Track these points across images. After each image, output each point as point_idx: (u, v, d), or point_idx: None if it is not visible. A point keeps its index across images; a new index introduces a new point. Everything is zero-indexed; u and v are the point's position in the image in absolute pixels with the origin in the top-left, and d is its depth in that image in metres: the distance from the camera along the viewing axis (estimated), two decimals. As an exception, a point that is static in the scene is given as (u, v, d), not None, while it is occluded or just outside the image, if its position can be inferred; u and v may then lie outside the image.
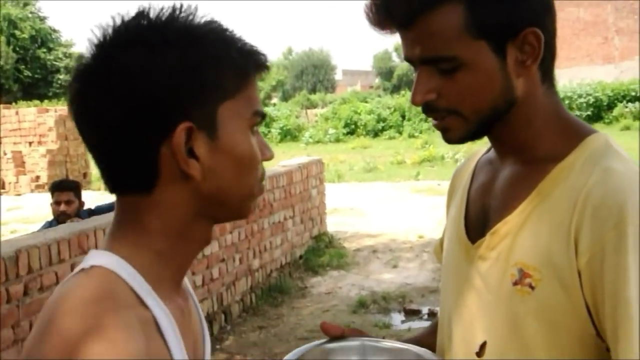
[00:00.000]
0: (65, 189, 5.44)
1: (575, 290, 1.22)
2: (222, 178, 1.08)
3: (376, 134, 27.32)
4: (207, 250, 6.05)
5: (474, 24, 1.22)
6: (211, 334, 5.94)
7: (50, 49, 40.73)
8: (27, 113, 16.03)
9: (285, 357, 1.44)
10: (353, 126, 27.73)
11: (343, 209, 10.80)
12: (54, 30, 42.81)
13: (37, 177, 15.63)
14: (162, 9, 1.06)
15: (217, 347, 5.82)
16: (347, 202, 11.54)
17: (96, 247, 2.88)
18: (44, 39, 40.67)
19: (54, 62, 40.28)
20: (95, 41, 1.05)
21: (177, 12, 1.07)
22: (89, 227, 4.74)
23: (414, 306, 6.66)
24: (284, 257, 7.72)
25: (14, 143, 16.03)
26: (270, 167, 8.76)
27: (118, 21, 1.06)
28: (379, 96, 40.84)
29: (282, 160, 9.33)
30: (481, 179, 1.45)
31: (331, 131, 27.16)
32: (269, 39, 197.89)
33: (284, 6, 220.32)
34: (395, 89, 57.90)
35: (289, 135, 28.13)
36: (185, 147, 1.02)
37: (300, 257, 8.18)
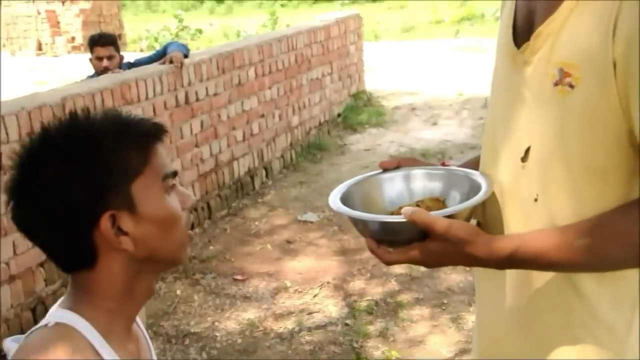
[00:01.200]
0: (106, 44, 5.36)
1: (611, 84, 1.25)
2: (152, 242, 1.27)
3: (414, -8, 26.65)
4: (247, 105, 6.08)
5: None
6: (253, 189, 6.09)
7: None
8: (58, -29, 15.78)
9: (344, 182, 1.56)
10: (390, -17, 26.99)
11: (379, 67, 10.67)
12: None
13: (73, 38, 15.52)
14: (62, 122, 1.24)
15: (259, 200, 5.94)
16: (386, 61, 11.39)
17: (138, 98, 3.28)
18: None
19: None
20: (17, 160, 1.25)
21: (76, 120, 1.24)
22: (131, 78, 4.79)
23: (451, 162, 6.65)
24: (322, 114, 7.72)
25: (47, 2, 15.85)
26: (308, 21, 8.63)
27: (29, 141, 1.26)
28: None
29: (319, 15, 9.19)
30: None
31: (368, -11, 26.49)
32: None
33: None
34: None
35: (325, -5, 27.48)
36: (114, 228, 1.22)
37: (339, 114, 8.16)
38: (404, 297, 4.23)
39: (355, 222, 1.44)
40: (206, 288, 4.43)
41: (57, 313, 1.27)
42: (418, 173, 1.59)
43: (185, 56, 5.38)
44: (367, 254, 4.79)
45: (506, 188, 1.46)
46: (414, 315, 4.05)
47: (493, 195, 1.44)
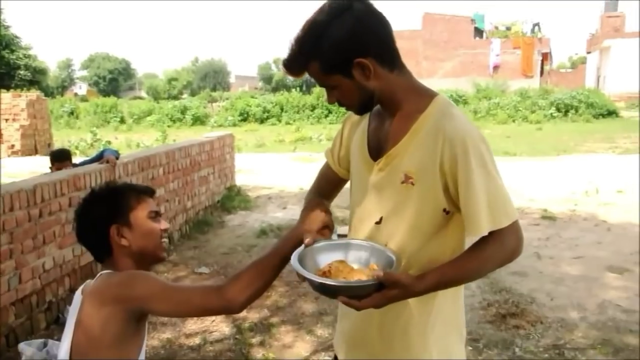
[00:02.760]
0: (63, 159, 5.22)
1: (437, 185, 1.48)
2: (139, 242, 1.69)
3: (262, 121, 27.16)
4: (158, 193, 6.14)
5: (326, 69, 1.48)
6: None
7: (12, 51, 37.99)
8: (5, 97, 15.06)
9: (292, 259, 1.47)
10: (245, 115, 27.48)
11: (244, 170, 10.87)
12: (16, 37, 39.81)
13: (13, 145, 14.77)
14: (102, 185, 1.81)
15: (167, 258, 5.92)
16: (247, 166, 11.61)
17: (84, 187, 3.84)
18: (8, 42, 37.82)
19: (16, 61, 37.70)
20: (80, 203, 1.76)
21: (107, 184, 1.81)
22: (80, 172, 4.76)
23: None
24: (207, 200, 7.79)
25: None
26: (197, 138, 8.83)
27: (87, 193, 1.79)
28: (265, 94, 40.54)
29: (205, 134, 9.35)
30: (374, 123, 1.64)
31: (230, 118, 26.87)
32: (181, 50, 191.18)
33: (193, 23, 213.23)
34: (274, 90, 57.57)
35: (199, 120, 27.55)
36: (118, 235, 1.67)
37: (218, 201, 8.25)
38: (274, 320, 4.31)
39: (325, 286, 1.39)
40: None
41: (102, 272, 1.66)
42: (324, 244, 1.54)
43: (117, 158, 5.46)
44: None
45: (360, 236, 1.62)
46: (281, 330, 4.12)
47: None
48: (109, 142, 17.41)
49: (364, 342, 1.66)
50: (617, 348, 3.76)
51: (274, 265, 1.56)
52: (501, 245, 1.46)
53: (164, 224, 1.75)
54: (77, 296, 1.68)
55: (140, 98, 54.78)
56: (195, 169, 7.38)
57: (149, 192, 1.79)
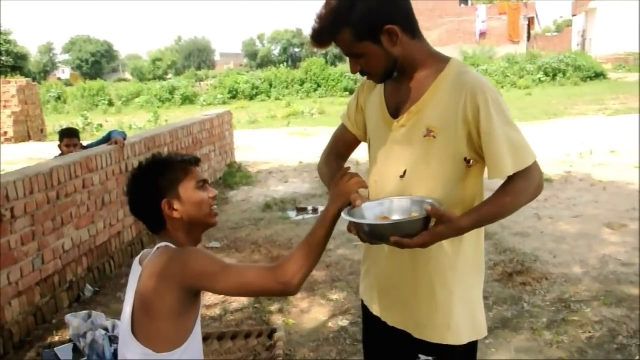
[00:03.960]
0: (72, 136, 5.33)
1: (461, 136, 1.58)
2: (191, 212, 1.71)
3: (252, 98, 26.99)
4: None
5: (356, 36, 1.59)
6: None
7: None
8: (-6, 84, 14.98)
9: (343, 214, 1.59)
10: (235, 92, 27.28)
11: (242, 146, 10.89)
12: (-5, 22, 39.19)
13: (6, 133, 14.71)
14: (148, 158, 1.80)
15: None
16: (244, 143, 11.60)
17: (96, 168, 3.95)
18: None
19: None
20: (130, 174, 1.78)
21: (154, 157, 1.80)
22: (91, 154, 4.88)
23: (302, 205, 6.92)
24: (210, 178, 7.87)
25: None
26: (197, 116, 8.90)
27: (135, 167, 1.79)
28: (251, 71, 40.25)
29: (203, 112, 9.39)
30: (390, 87, 1.74)
31: (219, 96, 26.63)
32: (164, 30, 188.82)
33: (174, 2, 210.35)
34: (260, 67, 57.18)
35: (188, 100, 27.37)
36: (170, 208, 1.69)
37: (220, 178, 8.36)
38: None
39: (382, 227, 1.50)
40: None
41: (160, 245, 1.70)
42: (394, 199, 1.64)
43: (124, 139, 5.55)
44: (260, 263, 5.11)
45: (392, 192, 1.69)
46: (297, 297, 4.24)
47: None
48: (101, 126, 17.40)
49: (395, 288, 1.76)
50: (620, 299, 3.96)
51: (320, 240, 1.64)
52: (530, 180, 1.58)
53: (212, 192, 1.78)
54: (136, 265, 1.76)
55: (125, 80, 54.27)
56: (198, 147, 7.48)
57: (194, 161, 1.80)
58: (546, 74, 24.81)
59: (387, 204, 1.64)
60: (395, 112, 1.71)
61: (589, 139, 10.16)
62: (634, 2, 34.84)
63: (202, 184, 1.77)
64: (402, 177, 1.68)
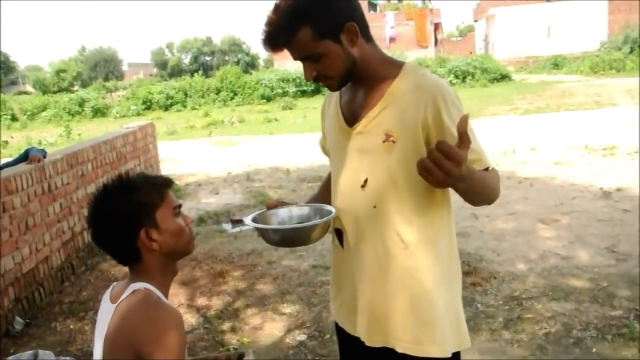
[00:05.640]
0: None
1: (420, 140, 1.54)
2: (170, 243, 1.54)
3: (167, 108, 26.21)
4: (89, 190, 5.85)
5: (317, 34, 1.52)
6: (99, 250, 5.80)
7: None
8: None
9: (246, 219, 1.71)
10: (149, 103, 26.40)
11: (166, 159, 10.50)
12: None
13: None
14: (114, 179, 1.57)
15: (107, 257, 5.66)
16: (166, 155, 11.19)
17: (16, 189, 3.50)
18: None
19: None
20: (91, 201, 1.55)
21: (121, 178, 1.57)
22: (10, 175, 4.46)
23: (237, 217, 6.73)
24: None
25: None
26: (116, 129, 8.46)
27: (97, 191, 1.58)
28: (162, 81, 39.20)
29: (122, 124, 8.96)
30: (346, 96, 1.70)
31: (133, 107, 25.70)
32: (66, 40, 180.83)
33: (76, 10, 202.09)
34: (170, 76, 55.99)
35: (99, 112, 26.22)
36: (147, 238, 1.50)
37: None
38: (238, 304, 4.27)
39: (278, 231, 1.67)
40: (92, 320, 4.21)
41: (136, 285, 1.51)
42: (292, 208, 1.81)
43: (44, 156, 5.15)
44: (203, 281, 4.89)
45: (354, 203, 1.65)
46: (248, 314, 4.10)
47: (339, 210, 1.68)
48: (6, 142, 16.30)
49: (372, 304, 1.68)
50: (566, 292, 4.07)
51: None
52: (498, 178, 1.60)
53: (187, 218, 1.62)
54: (106, 303, 1.57)
55: (27, 93, 51.40)
56: (122, 162, 7.09)
57: (168, 183, 1.61)
58: (456, 77, 25.77)
59: (286, 213, 1.79)
60: (351, 120, 1.66)
61: (508, 137, 10.56)
62: (527, 7, 37.02)
63: (178, 210, 1.60)
64: (362, 186, 1.62)
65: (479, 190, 1.51)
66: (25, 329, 4.16)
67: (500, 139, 10.42)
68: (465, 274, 4.49)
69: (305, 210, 1.78)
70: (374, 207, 1.61)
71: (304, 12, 1.49)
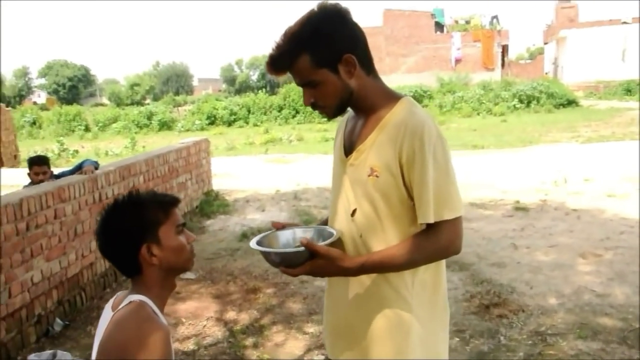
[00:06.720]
0: (42, 163, 5.25)
1: (398, 176, 1.61)
2: (170, 259, 1.61)
3: (230, 124, 26.87)
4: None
5: (315, 62, 1.61)
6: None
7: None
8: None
9: (251, 242, 1.76)
10: (213, 118, 27.15)
11: (220, 174, 10.77)
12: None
13: (-21, 159, 14.46)
14: (124, 195, 1.64)
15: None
16: (221, 170, 11.46)
17: (69, 198, 3.58)
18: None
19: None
20: (102, 215, 1.62)
21: (131, 194, 1.64)
22: (64, 184, 4.78)
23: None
24: (186, 207, 7.78)
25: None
26: (173, 144, 8.81)
27: (107, 206, 1.65)
28: (229, 96, 40.21)
29: (181, 139, 9.29)
30: (350, 125, 1.78)
31: (197, 122, 26.47)
32: (141, 55, 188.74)
33: (152, 26, 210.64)
34: (238, 92, 57.29)
35: (165, 125, 27.19)
36: (149, 253, 1.58)
37: (197, 207, 8.24)
38: (265, 321, 4.37)
39: (268, 255, 1.65)
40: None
41: (133, 296, 1.60)
42: (296, 230, 1.83)
43: (96, 168, 5.46)
44: (235, 295, 5.04)
45: (344, 230, 1.72)
46: (273, 331, 4.19)
47: (339, 236, 1.72)
48: (77, 152, 17.18)
49: (350, 329, 1.75)
50: (595, 331, 3.96)
51: None
52: (435, 237, 1.59)
53: (190, 236, 1.70)
54: (107, 310, 1.68)
55: (103, 105, 53.97)
56: (174, 176, 7.39)
57: (174, 202, 1.70)
58: (520, 101, 25.21)
59: (290, 235, 1.81)
60: (349, 150, 1.73)
61: (564, 166, 10.28)
62: (601, 29, 35.78)
63: (182, 228, 1.69)
64: (352, 215, 1.69)
65: (386, 270, 1.64)
66: (64, 330, 4.41)
67: (555, 167, 10.17)
68: (494, 305, 4.46)
69: (309, 232, 1.82)
70: (360, 236, 1.68)
71: (306, 41, 1.59)
